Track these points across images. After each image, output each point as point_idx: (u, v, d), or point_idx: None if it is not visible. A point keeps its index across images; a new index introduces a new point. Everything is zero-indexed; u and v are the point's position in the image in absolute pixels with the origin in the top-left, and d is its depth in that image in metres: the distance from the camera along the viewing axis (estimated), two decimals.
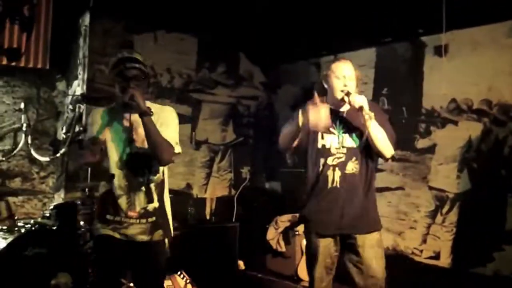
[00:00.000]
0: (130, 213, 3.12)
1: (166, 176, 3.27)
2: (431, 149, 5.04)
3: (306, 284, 5.41)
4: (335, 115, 3.38)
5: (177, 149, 3.15)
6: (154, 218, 3.16)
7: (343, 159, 3.34)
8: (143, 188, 3.14)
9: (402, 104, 5.34)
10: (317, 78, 6.55)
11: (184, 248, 5.14)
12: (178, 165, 6.34)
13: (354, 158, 3.34)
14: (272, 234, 5.91)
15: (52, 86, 5.97)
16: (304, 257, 5.53)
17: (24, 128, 5.50)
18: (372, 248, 3.31)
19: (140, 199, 3.14)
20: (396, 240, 5.27)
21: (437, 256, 4.91)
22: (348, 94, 3.28)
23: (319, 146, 3.40)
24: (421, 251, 5.05)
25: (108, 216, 3.14)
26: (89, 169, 5.28)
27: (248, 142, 7.08)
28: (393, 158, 3.49)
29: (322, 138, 3.39)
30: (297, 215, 5.91)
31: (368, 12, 5.42)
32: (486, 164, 4.63)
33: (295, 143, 3.38)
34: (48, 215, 4.67)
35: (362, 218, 3.33)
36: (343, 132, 3.37)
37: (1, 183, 5.07)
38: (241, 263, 5.92)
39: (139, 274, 3.22)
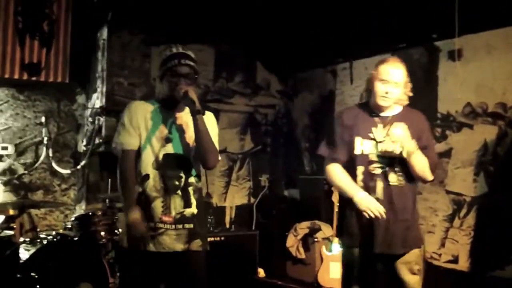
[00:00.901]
0: (165, 218, 2.89)
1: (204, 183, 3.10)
2: (447, 153, 5.03)
3: None
4: (376, 120, 3.19)
5: (219, 156, 3.05)
6: (191, 225, 2.93)
7: (386, 168, 3.11)
8: (179, 191, 2.92)
9: (418, 109, 5.30)
10: (333, 85, 6.59)
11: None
12: None
13: (397, 169, 3.11)
14: (292, 241, 5.92)
15: (72, 99, 6.08)
16: (324, 264, 5.54)
17: (45, 141, 5.64)
18: (409, 265, 3.12)
19: (176, 203, 2.91)
20: None
21: (455, 260, 4.89)
22: (382, 108, 3.15)
23: (358, 152, 3.16)
24: (440, 255, 5.03)
25: (147, 221, 2.89)
26: (110, 180, 5.38)
27: (266, 150, 7.11)
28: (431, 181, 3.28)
29: (362, 144, 3.16)
30: (316, 221, 5.95)
31: (382, 18, 5.44)
32: (502, 167, 4.60)
33: None
34: (70, 226, 4.75)
35: (405, 236, 3.10)
36: (387, 140, 3.11)
37: (24, 196, 5.17)
38: (261, 271, 5.94)
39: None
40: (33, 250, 4.09)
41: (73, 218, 4.81)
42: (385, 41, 5.64)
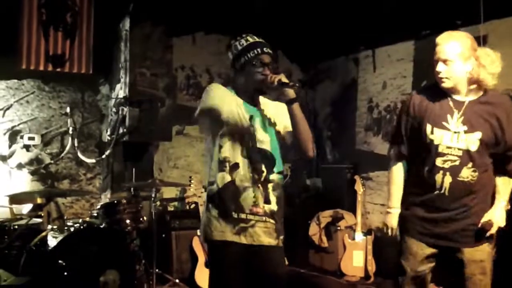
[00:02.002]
0: (256, 209, 2.74)
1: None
2: None
3: (350, 279, 5.45)
4: (451, 105, 2.84)
5: None
6: (274, 222, 2.80)
7: (457, 162, 2.80)
8: (264, 183, 2.78)
9: None
10: (355, 73, 6.56)
11: None
12: None
13: (471, 164, 2.79)
14: (314, 230, 5.95)
15: (96, 90, 6.14)
16: (347, 252, 5.55)
17: (70, 132, 5.71)
18: (480, 264, 2.87)
19: (261, 196, 2.76)
20: None
21: None
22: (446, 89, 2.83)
23: (427, 141, 2.87)
24: None
25: (233, 214, 2.72)
26: (134, 169, 5.43)
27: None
28: None
29: (432, 132, 2.85)
30: (339, 210, 5.96)
31: (405, 5, 5.40)
32: None
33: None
34: (95, 214, 4.82)
35: (471, 227, 2.85)
36: (462, 130, 2.80)
37: (51, 185, 5.24)
38: (284, 259, 5.96)
39: (261, 285, 2.82)
40: (60, 237, 4.15)
41: (98, 207, 4.87)
42: (408, 28, 5.60)
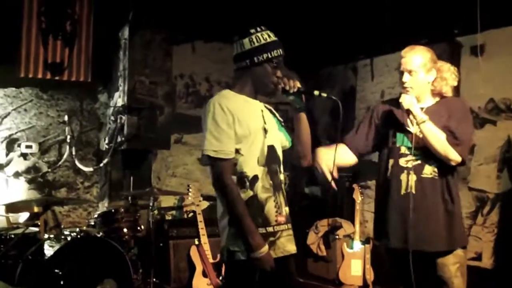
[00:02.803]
0: (280, 218, 2.61)
1: None
2: (470, 150, 4.98)
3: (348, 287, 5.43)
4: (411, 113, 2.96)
5: None
6: (290, 226, 2.70)
7: (419, 161, 2.94)
8: (283, 187, 2.70)
9: None
10: (354, 82, 6.57)
11: None
12: None
13: (432, 161, 2.92)
14: (313, 239, 5.93)
15: (94, 98, 6.14)
16: (345, 261, 5.54)
17: (68, 140, 5.71)
18: (454, 266, 2.93)
19: (282, 201, 2.65)
20: None
21: (479, 257, 4.84)
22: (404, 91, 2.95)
23: (390, 144, 3.05)
24: None
25: (260, 230, 2.53)
26: (132, 177, 5.42)
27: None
28: (463, 163, 2.96)
29: (394, 135, 3.04)
30: (337, 219, 5.94)
31: (403, 14, 5.40)
32: None
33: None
34: (93, 223, 4.81)
35: (443, 232, 2.91)
36: (417, 132, 2.94)
37: (48, 193, 5.24)
38: None
39: None
40: (57, 246, 4.14)
41: (96, 215, 4.87)
42: (406, 37, 5.58)
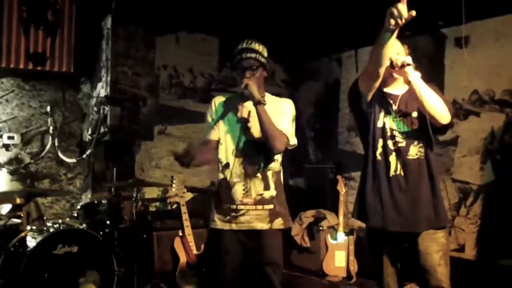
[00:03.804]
0: (246, 200, 3.11)
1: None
2: (453, 141, 5.01)
3: (332, 279, 5.45)
4: (390, 95, 3.11)
5: (293, 140, 3.17)
6: (271, 206, 3.14)
7: (403, 143, 3.01)
8: (259, 175, 3.13)
9: None
10: (339, 74, 6.57)
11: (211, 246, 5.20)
12: None
13: (416, 142, 3.01)
14: (297, 230, 5.93)
15: (77, 89, 6.08)
16: (329, 253, 5.55)
17: (51, 131, 5.64)
18: (436, 248, 2.99)
19: (256, 186, 3.12)
20: None
21: (462, 249, 4.89)
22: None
23: (379, 125, 3.08)
24: None
25: (224, 206, 3.14)
26: (115, 169, 5.38)
27: None
28: (451, 125, 3.11)
29: (385, 116, 3.09)
30: (321, 210, 5.95)
31: (387, 5, 5.40)
32: (509, 155, 4.59)
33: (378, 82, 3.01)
34: (76, 215, 4.77)
35: (431, 212, 2.98)
36: (399, 116, 3.05)
37: (30, 185, 5.18)
38: None
39: (256, 265, 3.14)
40: (40, 238, 4.09)
41: (79, 207, 4.83)
42: None
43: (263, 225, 3.12)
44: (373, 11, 5.53)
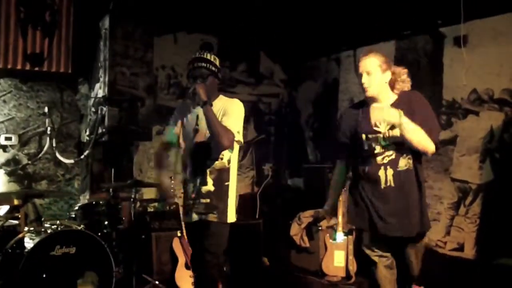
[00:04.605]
0: (192, 196, 3.44)
1: (235, 167, 3.51)
2: (452, 141, 4.99)
3: (331, 279, 5.43)
4: (378, 111, 3.20)
5: (238, 137, 3.36)
6: (208, 200, 3.44)
7: (393, 156, 3.22)
8: (199, 171, 3.45)
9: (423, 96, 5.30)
10: (337, 73, 6.55)
11: None
12: None
13: (405, 154, 3.22)
14: (296, 230, 5.91)
15: (75, 89, 6.07)
16: (328, 253, 5.54)
17: (48, 132, 5.63)
18: (418, 249, 3.41)
19: (195, 182, 3.45)
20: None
21: (461, 248, 4.87)
22: (369, 99, 3.28)
23: (365, 147, 3.31)
24: (445, 243, 5.01)
25: (187, 201, 3.53)
26: (113, 170, 5.37)
27: (270, 139, 7.09)
28: (437, 147, 3.21)
29: (367, 138, 3.30)
30: (320, 210, 5.93)
31: (386, 5, 5.40)
32: (508, 154, 4.57)
33: None
34: (74, 216, 4.75)
35: (418, 218, 3.25)
36: (389, 128, 3.20)
37: (28, 186, 5.17)
38: (265, 260, 5.94)
39: (196, 254, 3.58)
40: (37, 239, 4.08)
41: (77, 208, 4.81)
42: (389, 28, 5.60)
43: (195, 216, 3.47)
44: (371, 11, 5.56)
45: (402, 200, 3.23)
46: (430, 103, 3.33)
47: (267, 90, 7.10)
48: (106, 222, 4.69)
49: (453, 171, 4.99)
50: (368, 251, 3.52)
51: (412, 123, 3.09)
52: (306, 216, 5.92)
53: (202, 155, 3.45)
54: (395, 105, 3.21)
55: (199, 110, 3.39)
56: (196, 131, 3.47)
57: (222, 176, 3.47)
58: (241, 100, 3.51)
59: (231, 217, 3.49)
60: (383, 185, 3.24)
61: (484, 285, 4.53)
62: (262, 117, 7.05)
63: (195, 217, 3.48)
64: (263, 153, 6.98)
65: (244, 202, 6.73)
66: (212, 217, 3.44)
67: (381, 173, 3.24)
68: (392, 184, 3.22)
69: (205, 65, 3.43)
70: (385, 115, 3.11)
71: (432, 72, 5.22)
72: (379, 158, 3.25)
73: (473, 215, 4.78)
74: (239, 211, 6.53)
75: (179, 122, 3.61)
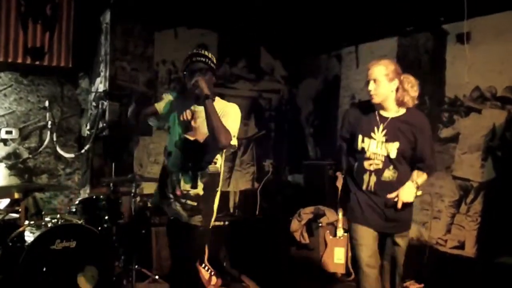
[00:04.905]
0: (177, 191, 3.35)
1: (223, 172, 3.46)
2: (454, 138, 4.99)
3: (331, 275, 5.43)
4: (378, 120, 3.46)
5: (234, 141, 3.26)
6: (195, 204, 3.33)
7: (380, 166, 3.42)
8: (190, 172, 3.32)
9: (425, 93, 5.27)
10: (338, 70, 6.54)
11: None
12: None
13: (391, 167, 3.41)
14: (296, 226, 5.90)
15: (75, 84, 6.06)
16: (328, 249, 5.53)
17: (49, 126, 5.62)
18: (401, 246, 3.53)
19: (185, 181, 3.33)
20: (420, 231, 5.23)
21: (462, 246, 4.87)
22: (375, 105, 3.44)
23: (359, 148, 3.48)
24: (446, 241, 5.00)
25: (165, 190, 3.40)
26: (113, 164, 5.35)
27: (270, 136, 7.08)
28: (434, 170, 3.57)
29: (363, 141, 3.47)
30: (320, 207, 5.93)
31: (388, 1, 5.38)
32: (510, 152, 4.56)
33: None
34: (74, 210, 4.74)
35: (395, 221, 3.46)
36: (385, 140, 3.41)
37: (28, 180, 5.16)
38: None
39: (176, 252, 3.49)
40: (38, 233, 4.07)
41: (77, 202, 4.79)
42: (391, 24, 5.58)
43: (185, 217, 3.35)
44: (373, 7, 5.54)
45: (380, 200, 3.43)
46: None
47: (268, 86, 7.09)
48: (106, 217, 4.68)
49: (455, 169, 4.99)
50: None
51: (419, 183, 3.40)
52: (306, 213, 5.91)
53: (195, 155, 3.33)
54: (401, 120, 3.42)
55: (197, 108, 3.31)
56: (189, 127, 3.34)
57: (213, 181, 3.40)
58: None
59: (212, 221, 3.45)
60: (364, 187, 3.47)
61: (484, 284, 4.52)
62: (262, 113, 7.04)
63: (184, 217, 3.36)
64: (263, 149, 6.97)
65: (244, 198, 6.73)
66: (197, 220, 3.35)
67: (366, 177, 3.45)
68: (372, 190, 3.44)
69: (204, 59, 3.36)
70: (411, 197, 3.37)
71: (434, 69, 5.21)
72: (366, 163, 3.45)
73: (474, 213, 4.78)
74: (239, 207, 6.60)
75: (171, 109, 3.45)
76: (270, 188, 6.84)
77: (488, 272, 4.57)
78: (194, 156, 3.32)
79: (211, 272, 5.01)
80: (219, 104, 3.34)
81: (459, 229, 4.91)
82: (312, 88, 7.03)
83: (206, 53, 3.41)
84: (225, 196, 6.58)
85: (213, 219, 3.44)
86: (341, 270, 5.48)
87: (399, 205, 3.36)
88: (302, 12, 6.18)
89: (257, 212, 6.56)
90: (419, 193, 3.44)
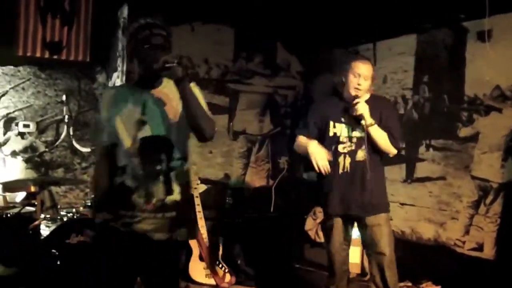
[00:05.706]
0: (145, 207, 2.64)
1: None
2: (474, 138, 4.90)
3: None
4: (347, 107, 3.75)
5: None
6: (173, 214, 2.68)
7: (353, 147, 3.72)
8: (161, 177, 2.65)
9: (444, 92, 5.21)
10: None
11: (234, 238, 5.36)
12: (216, 155, 6.37)
13: (363, 147, 3.68)
14: (311, 225, 5.87)
15: (92, 78, 6.07)
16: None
17: (66, 120, 5.66)
18: (379, 227, 3.74)
19: (158, 191, 2.65)
20: (437, 231, 5.16)
21: (480, 248, 4.78)
22: (355, 98, 3.65)
23: (331, 134, 3.77)
24: (464, 242, 4.93)
25: (120, 212, 2.65)
26: None
27: (286, 132, 7.04)
28: (399, 151, 3.86)
29: (334, 126, 3.78)
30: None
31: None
32: None
33: None
34: (89, 204, 4.75)
35: (371, 201, 3.72)
36: (352, 123, 3.72)
37: (45, 173, 5.19)
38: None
39: (153, 277, 2.75)
40: (53, 227, 4.09)
41: (92, 196, 4.80)
42: (410, 21, 5.52)
43: (160, 236, 2.67)
44: (392, 4, 5.48)
45: (356, 185, 3.71)
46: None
47: (284, 82, 7.04)
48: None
49: (474, 169, 4.90)
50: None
51: (379, 128, 3.67)
52: (321, 211, 5.87)
53: (160, 153, 2.65)
54: (367, 102, 3.70)
55: (147, 97, 2.69)
56: (143, 122, 2.65)
57: (187, 181, 2.78)
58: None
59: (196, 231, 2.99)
60: (340, 171, 3.72)
61: (503, 287, 4.44)
62: (278, 109, 7.00)
63: (159, 235, 2.66)
64: (278, 146, 6.93)
65: (259, 195, 6.70)
66: (182, 234, 2.74)
67: (341, 159, 3.72)
68: (348, 171, 3.71)
69: (165, 34, 2.75)
70: (364, 112, 3.61)
71: (454, 67, 5.13)
72: (340, 147, 3.73)
73: (494, 215, 4.70)
74: (253, 205, 6.57)
75: (116, 114, 2.69)
76: (285, 185, 6.81)
77: (507, 275, 4.49)
78: (162, 154, 2.66)
79: (225, 269, 5.01)
80: (173, 87, 2.63)
81: (477, 230, 4.82)
82: (328, 84, 6.97)
83: (163, 24, 2.81)
84: (239, 193, 6.56)
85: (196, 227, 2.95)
86: (356, 270, 5.44)
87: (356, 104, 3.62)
88: (319, 7, 6.13)
89: (271, 210, 6.53)
90: (370, 122, 3.63)
